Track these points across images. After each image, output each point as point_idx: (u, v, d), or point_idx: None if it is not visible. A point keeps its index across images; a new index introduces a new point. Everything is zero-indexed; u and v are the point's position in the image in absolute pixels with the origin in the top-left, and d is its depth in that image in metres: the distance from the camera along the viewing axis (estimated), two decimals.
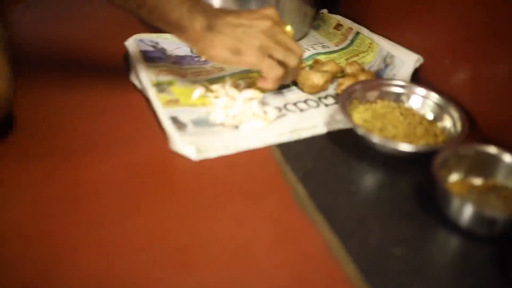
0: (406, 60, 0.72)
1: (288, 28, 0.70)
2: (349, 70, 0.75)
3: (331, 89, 0.74)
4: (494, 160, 0.57)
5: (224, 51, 0.65)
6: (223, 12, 0.67)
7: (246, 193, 0.57)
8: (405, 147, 0.59)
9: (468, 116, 0.63)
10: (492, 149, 0.57)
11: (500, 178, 0.57)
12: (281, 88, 0.72)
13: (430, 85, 0.69)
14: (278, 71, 0.66)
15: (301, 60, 0.69)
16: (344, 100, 0.64)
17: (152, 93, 0.68)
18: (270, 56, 0.66)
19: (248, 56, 0.65)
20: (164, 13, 0.63)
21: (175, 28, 0.65)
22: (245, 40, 0.65)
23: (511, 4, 0.58)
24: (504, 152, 0.57)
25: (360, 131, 0.60)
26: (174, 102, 0.68)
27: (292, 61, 0.67)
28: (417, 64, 0.72)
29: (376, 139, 0.59)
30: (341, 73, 0.76)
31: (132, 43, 0.78)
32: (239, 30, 0.65)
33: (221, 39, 0.65)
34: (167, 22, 0.64)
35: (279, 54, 0.66)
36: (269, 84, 0.67)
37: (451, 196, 0.53)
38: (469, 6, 0.65)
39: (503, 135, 0.61)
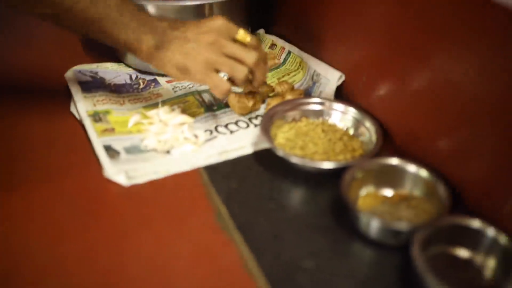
0: (330, 78, 0.77)
1: (241, 32, 0.68)
2: (278, 89, 0.79)
3: (263, 109, 0.78)
4: (399, 171, 0.61)
5: (173, 70, 0.67)
6: (171, 27, 0.67)
7: (171, 216, 0.60)
8: (321, 164, 0.63)
9: (382, 130, 0.68)
10: (395, 161, 0.61)
11: (408, 187, 0.62)
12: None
13: (352, 101, 0.74)
14: (223, 88, 0.67)
15: (261, 57, 0.69)
16: (266, 121, 0.68)
17: (87, 123, 0.72)
18: (218, 71, 0.67)
19: (194, 74, 0.66)
20: (112, 36, 0.66)
21: (127, 49, 0.68)
22: (191, 57, 0.66)
23: (421, 24, 0.62)
24: (407, 163, 0.61)
25: (280, 153, 0.64)
26: (110, 131, 0.71)
27: (239, 74, 0.67)
28: (340, 81, 0.76)
29: (293, 159, 0.63)
30: (272, 93, 0.80)
31: (71, 75, 0.81)
32: (187, 46, 0.66)
33: (169, 58, 0.66)
34: (117, 44, 0.67)
35: (225, 68, 0.67)
36: (219, 97, 0.69)
37: (359, 212, 0.57)
38: (384, 27, 0.69)
39: (413, 147, 0.65)
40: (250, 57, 0.67)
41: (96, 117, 0.73)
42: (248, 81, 0.70)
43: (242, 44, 0.68)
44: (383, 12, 0.68)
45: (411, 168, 0.61)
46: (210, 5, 0.80)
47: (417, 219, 0.58)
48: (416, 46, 0.63)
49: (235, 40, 0.68)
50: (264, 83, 0.80)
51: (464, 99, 0.57)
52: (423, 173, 0.60)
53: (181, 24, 0.68)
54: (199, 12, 0.80)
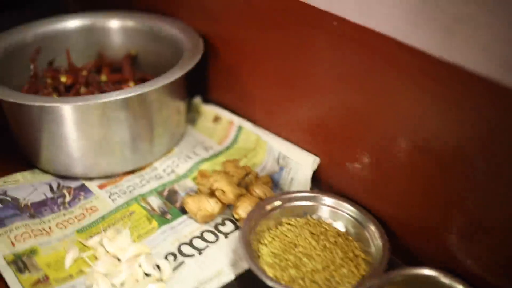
0: (302, 162, 0.64)
1: None
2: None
3: (228, 210, 0.64)
4: (431, 283, 0.52)
5: None
6: None
7: None
8: None
9: (381, 225, 0.57)
10: (424, 271, 0.51)
11: None
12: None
13: (331, 189, 0.63)
14: None
15: None
16: (245, 238, 0.55)
17: (9, 276, 0.54)
18: None
19: None
20: None
21: None
22: None
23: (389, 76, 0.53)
24: (438, 273, 0.51)
25: (270, 283, 0.51)
26: (43, 282, 0.54)
27: None
28: (315, 166, 0.65)
29: None
30: (247, 176, 0.66)
31: None
32: None
33: None
34: None
35: None
36: None
37: None
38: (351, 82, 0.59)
39: (423, 244, 0.56)
40: None
41: (19, 263, 0.55)
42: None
43: None
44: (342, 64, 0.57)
45: (444, 279, 0.51)
46: (140, 96, 0.63)
47: None
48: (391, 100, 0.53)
49: None
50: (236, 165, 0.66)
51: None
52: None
53: None
54: (129, 106, 0.64)
